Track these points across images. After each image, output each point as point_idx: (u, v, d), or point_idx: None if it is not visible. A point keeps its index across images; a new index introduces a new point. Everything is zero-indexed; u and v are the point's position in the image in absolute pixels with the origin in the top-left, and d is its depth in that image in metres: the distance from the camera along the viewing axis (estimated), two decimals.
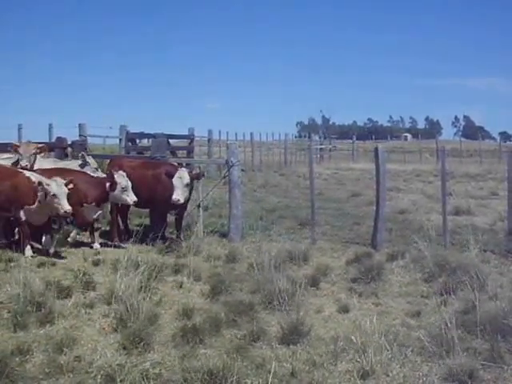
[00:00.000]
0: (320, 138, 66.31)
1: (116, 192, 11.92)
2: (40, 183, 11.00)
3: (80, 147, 15.70)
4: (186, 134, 24.27)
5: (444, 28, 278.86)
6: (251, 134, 43.40)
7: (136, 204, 12.36)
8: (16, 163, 12.48)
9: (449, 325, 7.34)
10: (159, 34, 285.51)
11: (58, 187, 11.00)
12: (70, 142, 16.43)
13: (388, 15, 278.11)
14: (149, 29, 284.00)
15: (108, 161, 15.91)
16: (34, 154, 12.58)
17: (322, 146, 52.33)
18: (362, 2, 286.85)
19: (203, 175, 13.29)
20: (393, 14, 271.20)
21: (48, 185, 10.97)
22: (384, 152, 13.53)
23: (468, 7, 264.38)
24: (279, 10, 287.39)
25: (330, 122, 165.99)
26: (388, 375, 6.54)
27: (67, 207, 10.92)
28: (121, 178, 11.98)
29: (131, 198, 12.02)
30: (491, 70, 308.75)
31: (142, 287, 8.43)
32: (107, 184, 11.88)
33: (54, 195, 10.92)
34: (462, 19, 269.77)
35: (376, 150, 13.38)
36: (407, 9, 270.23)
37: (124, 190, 11.94)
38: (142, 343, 7.08)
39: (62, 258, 11.25)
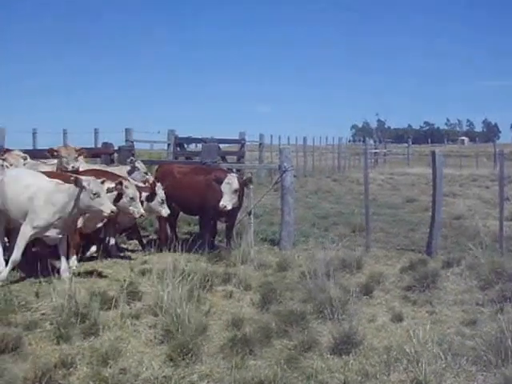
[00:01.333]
0: (375, 141, 65.77)
1: (153, 203, 11.93)
2: (120, 184, 11.04)
3: (127, 153, 15.72)
4: (237, 138, 24.16)
5: (502, 26, 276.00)
6: (304, 138, 43.25)
7: (186, 211, 12.32)
8: (60, 167, 12.35)
9: (505, 333, 7.16)
10: (209, 35, 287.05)
11: (134, 190, 11.13)
12: (116, 148, 16.51)
13: (443, 17, 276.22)
14: (198, 29, 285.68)
15: (156, 167, 15.98)
16: (77, 156, 12.54)
17: (377, 151, 51.93)
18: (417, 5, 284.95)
19: (250, 181, 13.08)
20: (447, 15, 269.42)
21: (126, 187, 11.05)
22: (441, 156, 13.30)
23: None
24: (332, 11, 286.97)
25: (386, 126, 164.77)
26: None
27: (142, 211, 11.06)
28: (160, 190, 11.95)
29: (166, 211, 12.03)
30: None
31: (189, 297, 8.35)
32: (145, 194, 11.83)
33: (131, 198, 11.03)
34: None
35: (433, 153, 13.15)
36: (459, 7, 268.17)
37: (161, 202, 11.96)
38: (189, 354, 7.00)
39: (108, 267, 11.29)
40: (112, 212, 10.30)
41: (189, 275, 8.82)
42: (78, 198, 10.12)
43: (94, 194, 10.12)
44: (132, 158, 14.23)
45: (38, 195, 10.26)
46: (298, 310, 8.41)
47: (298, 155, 39.66)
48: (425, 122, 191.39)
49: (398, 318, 8.55)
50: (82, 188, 10.02)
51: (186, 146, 22.73)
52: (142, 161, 14.49)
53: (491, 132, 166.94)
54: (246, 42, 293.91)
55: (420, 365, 6.51)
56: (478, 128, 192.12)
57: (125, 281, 9.62)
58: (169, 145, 20.76)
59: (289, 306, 8.67)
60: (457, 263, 11.46)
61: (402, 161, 53.51)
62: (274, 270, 11.11)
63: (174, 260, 9.99)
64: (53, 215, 10.14)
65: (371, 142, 67.88)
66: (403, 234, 15.31)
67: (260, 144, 25.82)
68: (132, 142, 18.60)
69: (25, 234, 10.21)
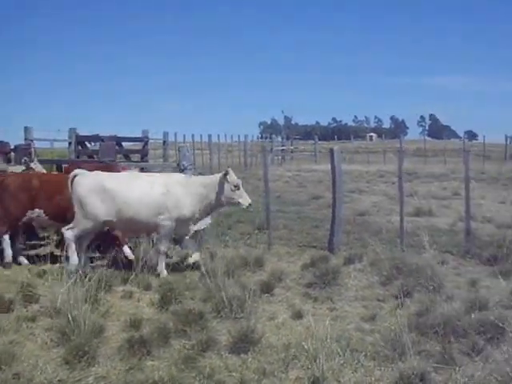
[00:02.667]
0: (282, 138, 66.06)
1: None
2: None
3: (24, 152, 15.29)
4: (140, 136, 23.85)
5: (408, 26, 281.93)
6: (209, 135, 43.10)
7: None
8: None
9: (402, 328, 7.29)
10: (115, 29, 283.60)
11: None
12: (12, 147, 16.07)
13: (351, 14, 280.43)
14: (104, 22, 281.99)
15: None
16: None
17: (284, 148, 52.29)
18: (324, 2, 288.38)
19: None
20: (356, 12, 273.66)
21: None
22: (340, 153, 13.45)
23: (432, 4, 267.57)
24: (240, 8, 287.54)
25: (293, 123, 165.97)
26: (339, 381, 6.43)
27: None
28: None
29: None
30: (458, 68, 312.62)
31: (87, 298, 8.20)
32: None
33: None
34: (426, 17, 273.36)
35: (331, 151, 13.29)
36: (370, 6, 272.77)
37: None
38: (85, 357, 6.87)
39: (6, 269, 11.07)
40: (250, 205, 11.08)
41: (86, 276, 8.66)
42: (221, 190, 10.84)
43: (235, 186, 10.73)
44: (25, 158, 13.89)
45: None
46: (197, 309, 8.33)
47: (203, 153, 39.69)
48: (332, 119, 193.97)
49: (298, 315, 8.58)
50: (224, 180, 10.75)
51: (92, 144, 22.33)
52: (43, 160, 14.17)
53: (399, 128, 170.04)
54: (155, 37, 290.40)
55: (318, 361, 6.53)
56: (387, 124, 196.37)
57: (22, 283, 9.43)
58: (70, 143, 20.29)
59: (188, 306, 8.57)
60: (358, 259, 11.63)
61: (309, 158, 54.00)
62: (174, 270, 11.00)
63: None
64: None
65: (278, 139, 68.42)
66: (306, 231, 15.40)
67: (164, 142, 25.51)
68: (32, 140, 18.08)
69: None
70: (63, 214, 11.34)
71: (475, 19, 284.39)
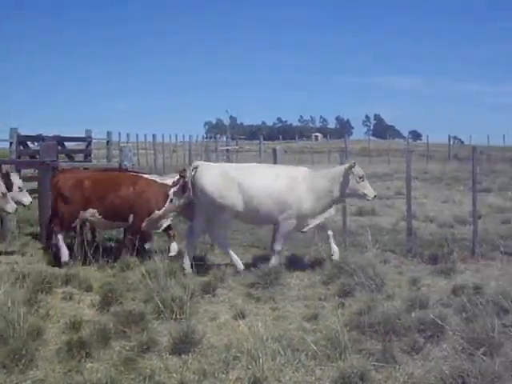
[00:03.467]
0: (227, 138, 66.11)
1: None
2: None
3: None
4: (83, 136, 23.60)
5: (354, 25, 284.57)
6: (153, 135, 42.74)
7: None
8: None
9: (343, 327, 7.35)
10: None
11: None
12: None
13: (297, 12, 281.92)
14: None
15: None
16: None
17: (229, 147, 52.27)
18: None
19: None
20: (302, 11, 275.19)
21: None
22: (282, 152, 13.52)
23: (380, 7, 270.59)
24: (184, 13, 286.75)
25: (238, 122, 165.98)
26: (280, 381, 6.43)
27: None
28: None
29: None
30: (403, 68, 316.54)
31: (26, 300, 8.08)
32: None
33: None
34: (372, 16, 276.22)
35: (274, 150, 13.36)
36: (316, 5, 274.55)
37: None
38: (23, 360, 6.73)
39: None
40: (375, 196, 11.27)
41: (24, 277, 8.52)
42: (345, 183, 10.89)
43: (360, 178, 10.79)
44: None
45: None
46: (138, 310, 8.26)
47: (147, 153, 39.40)
48: (278, 119, 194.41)
49: (240, 316, 8.51)
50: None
51: (35, 144, 22.02)
52: None
53: (344, 128, 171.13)
54: (97, 31, 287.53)
55: (259, 361, 6.53)
56: (332, 124, 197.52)
57: None
58: (11, 143, 19.94)
59: (129, 307, 8.48)
60: (301, 259, 11.63)
61: (255, 158, 54.00)
62: (116, 271, 10.90)
63: (14, 262, 9.68)
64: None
65: (223, 138, 68.38)
66: (249, 231, 15.36)
67: (107, 142, 25.29)
68: None
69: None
70: (118, 214, 11.65)
71: (421, 20, 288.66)
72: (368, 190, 11.07)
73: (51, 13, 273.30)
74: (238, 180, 10.92)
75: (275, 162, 13.09)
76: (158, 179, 12.29)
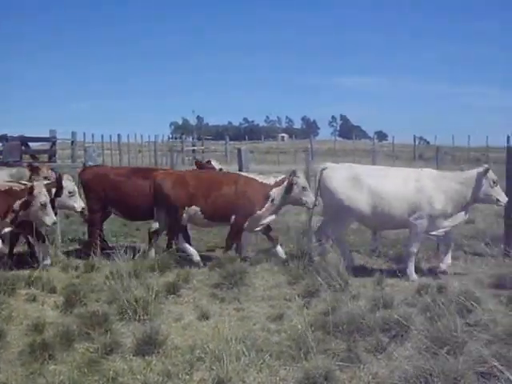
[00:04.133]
0: (193, 139, 65.94)
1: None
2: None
3: None
4: (48, 136, 23.42)
5: (320, 26, 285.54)
6: (118, 135, 42.60)
7: None
8: None
9: (308, 327, 7.39)
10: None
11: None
12: None
13: (262, 12, 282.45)
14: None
15: None
16: None
17: (195, 148, 52.15)
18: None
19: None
20: (266, 11, 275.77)
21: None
22: (247, 152, 13.51)
23: (341, 5, 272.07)
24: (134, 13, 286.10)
25: (204, 123, 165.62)
26: (244, 381, 6.42)
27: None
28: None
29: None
30: (369, 69, 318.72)
31: None
32: None
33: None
34: (338, 17, 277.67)
35: (239, 150, 13.36)
36: (282, 6, 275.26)
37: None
38: None
39: None
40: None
41: None
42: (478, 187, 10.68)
43: (494, 183, 10.66)
44: None
45: None
46: (102, 311, 8.17)
47: (112, 153, 39.22)
48: (244, 119, 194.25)
49: (204, 316, 8.54)
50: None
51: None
52: None
53: (310, 129, 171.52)
54: (62, 31, 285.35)
55: (223, 362, 6.51)
56: (298, 125, 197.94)
57: None
58: None
59: (93, 308, 8.41)
60: (266, 259, 11.64)
61: (221, 158, 53.94)
62: (80, 272, 10.80)
63: None
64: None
65: (190, 139, 68.19)
66: (215, 232, 15.29)
67: (72, 142, 25.11)
68: None
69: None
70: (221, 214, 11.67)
71: (385, 19, 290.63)
72: (501, 195, 10.92)
73: (8, 12, 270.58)
74: (367, 182, 10.86)
75: (240, 163, 13.05)
76: (259, 178, 12.12)
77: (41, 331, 7.71)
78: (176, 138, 69.83)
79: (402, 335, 7.55)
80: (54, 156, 22.90)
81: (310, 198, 11.64)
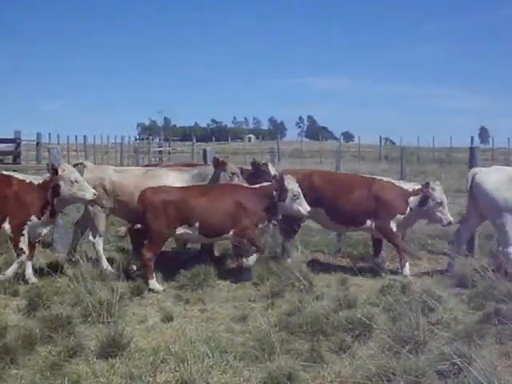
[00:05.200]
0: (160, 140, 65.72)
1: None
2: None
3: None
4: (12, 137, 23.23)
5: (287, 28, 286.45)
6: (84, 136, 42.36)
7: None
8: None
9: (272, 328, 7.44)
10: None
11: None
12: None
13: (227, 14, 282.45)
14: None
15: None
16: None
17: (161, 149, 51.94)
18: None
19: None
20: (231, 13, 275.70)
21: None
22: (213, 153, 13.55)
23: (308, 6, 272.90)
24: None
25: (172, 124, 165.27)
26: (208, 383, 6.41)
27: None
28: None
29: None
30: (336, 70, 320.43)
31: None
32: None
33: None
34: (304, 18, 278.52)
35: (204, 151, 13.40)
36: (250, 7, 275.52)
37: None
38: None
39: None
40: None
41: None
42: None
43: None
44: None
45: None
46: (65, 314, 8.11)
47: (78, 154, 38.99)
48: (212, 120, 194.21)
49: (168, 318, 8.54)
50: None
51: None
52: None
53: (277, 129, 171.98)
54: (29, 35, 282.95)
55: (186, 364, 6.49)
56: (265, 126, 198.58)
57: None
58: None
59: (56, 311, 8.35)
60: (231, 260, 11.70)
61: (188, 159, 53.74)
62: (44, 274, 10.63)
63: None
64: None
65: (157, 140, 67.95)
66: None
67: (37, 143, 24.92)
68: None
69: None
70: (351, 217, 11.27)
71: (350, 20, 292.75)
72: None
73: None
74: None
75: (205, 163, 13.06)
76: (396, 182, 11.77)
77: (2, 335, 7.58)
78: (143, 139, 69.47)
79: (365, 334, 7.65)
80: (19, 157, 22.74)
81: (444, 215, 11.06)
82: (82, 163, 11.89)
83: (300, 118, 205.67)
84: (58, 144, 33.09)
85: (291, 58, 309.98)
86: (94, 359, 7.04)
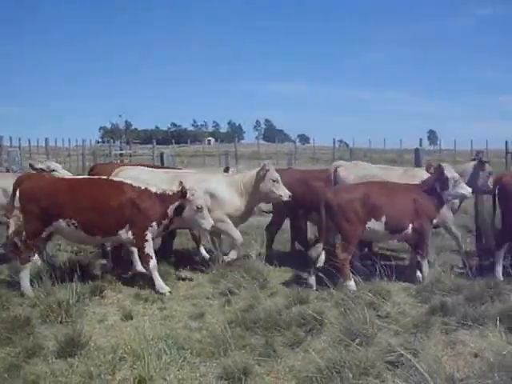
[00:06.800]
0: (121, 143, 65.53)
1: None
2: None
3: None
4: None
5: (245, 34, 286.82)
6: (46, 139, 42.20)
7: None
8: None
9: (228, 324, 7.68)
10: None
11: None
12: None
13: (185, 15, 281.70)
14: None
15: None
16: None
17: (122, 152, 51.80)
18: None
19: None
20: (195, 15, 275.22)
21: None
22: (169, 156, 13.72)
23: (266, 12, 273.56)
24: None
25: (133, 127, 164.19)
26: (165, 379, 6.56)
27: None
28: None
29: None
30: (292, 75, 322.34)
31: None
32: None
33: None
34: (265, 25, 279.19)
35: (161, 154, 13.58)
36: (209, 10, 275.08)
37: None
38: None
39: None
40: None
41: None
42: None
43: None
44: None
45: None
46: (24, 315, 8.20)
47: (40, 157, 38.70)
48: (172, 124, 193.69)
49: (128, 317, 8.67)
50: None
51: None
52: None
53: (236, 132, 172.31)
54: None
55: (144, 361, 6.64)
56: (224, 129, 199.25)
57: None
58: None
59: (15, 312, 8.44)
60: (189, 260, 11.91)
61: (149, 161, 53.66)
62: (4, 276, 10.72)
63: None
64: None
65: (117, 143, 67.77)
66: None
67: None
68: None
69: None
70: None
71: (307, 27, 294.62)
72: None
73: None
74: None
75: (162, 165, 13.20)
76: None
77: None
78: (104, 142, 69.31)
79: (317, 329, 7.86)
80: None
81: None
82: None
83: (257, 121, 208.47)
84: (19, 147, 32.98)
85: (250, 63, 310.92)
86: (53, 359, 7.13)
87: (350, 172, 11.90)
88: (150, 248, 10.07)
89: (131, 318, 8.64)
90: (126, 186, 10.12)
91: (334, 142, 56.14)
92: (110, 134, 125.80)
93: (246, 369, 6.63)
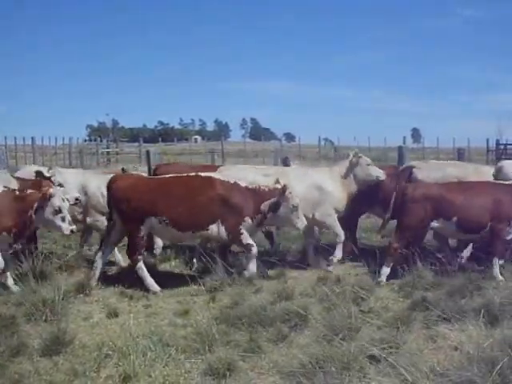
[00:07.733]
0: (108, 141, 65.52)
1: None
2: None
3: None
4: None
5: (234, 35, 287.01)
6: (32, 138, 42.09)
7: None
8: None
9: (212, 321, 7.72)
10: None
11: None
12: None
13: (170, 15, 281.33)
14: None
15: None
16: None
17: (109, 150, 51.85)
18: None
19: None
20: (182, 13, 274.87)
21: None
22: (156, 154, 13.76)
23: (253, 12, 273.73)
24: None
25: (120, 126, 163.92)
26: (150, 376, 6.57)
27: None
28: None
29: None
30: (278, 74, 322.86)
31: None
32: None
33: None
34: (250, 25, 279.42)
35: (147, 152, 13.60)
36: (197, 8, 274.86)
37: None
38: None
39: None
40: None
41: None
42: None
43: None
44: None
45: None
46: (9, 314, 8.20)
47: (26, 156, 38.72)
48: (159, 122, 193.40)
49: (113, 314, 8.68)
50: None
51: None
52: None
53: (222, 131, 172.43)
54: None
55: (130, 358, 6.69)
56: (211, 127, 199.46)
57: None
58: None
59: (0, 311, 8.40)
60: (174, 257, 12.04)
61: (136, 159, 53.69)
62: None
63: None
64: None
65: (104, 141, 67.74)
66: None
67: None
68: None
69: None
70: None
71: (293, 27, 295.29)
72: None
73: None
74: None
75: (149, 164, 13.24)
76: None
77: None
78: (91, 141, 69.18)
79: (301, 324, 7.92)
80: None
81: None
82: None
83: (243, 119, 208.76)
84: (5, 146, 32.93)
85: (237, 62, 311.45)
86: (38, 357, 7.12)
87: (428, 175, 11.75)
88: (247, 239, 10.16)
89: (116, 316, 8.65)
90: (216, 181, 10.23)
91: (319, 140, 56.75)
92: (97, 132, 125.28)
93: (231, 364, 6.68)
